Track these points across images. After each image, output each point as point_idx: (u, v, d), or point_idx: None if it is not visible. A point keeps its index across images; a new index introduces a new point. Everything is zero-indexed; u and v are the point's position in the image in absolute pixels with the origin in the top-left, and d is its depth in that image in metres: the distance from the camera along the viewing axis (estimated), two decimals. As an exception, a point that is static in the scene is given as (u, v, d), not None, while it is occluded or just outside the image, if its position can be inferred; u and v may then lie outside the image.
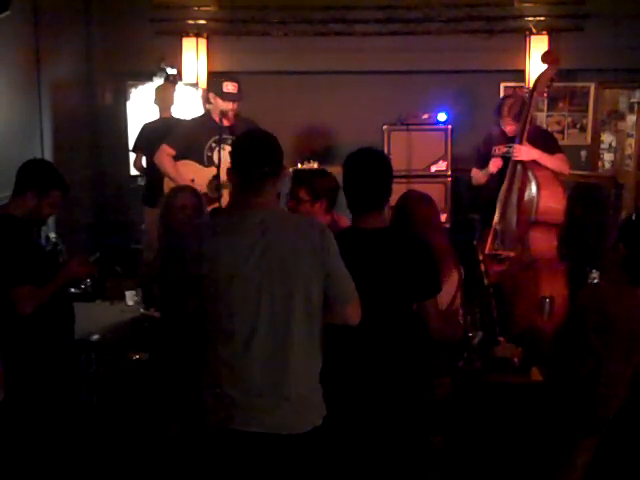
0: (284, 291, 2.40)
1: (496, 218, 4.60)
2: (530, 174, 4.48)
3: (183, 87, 6.40)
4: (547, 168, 4.52)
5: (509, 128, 4.70)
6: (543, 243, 4.44)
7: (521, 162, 4.54)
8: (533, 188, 4.44)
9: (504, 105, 4.73)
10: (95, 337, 3.78)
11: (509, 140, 4.67)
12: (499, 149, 4.77)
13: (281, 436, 2.40)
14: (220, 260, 2.39)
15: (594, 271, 4.66)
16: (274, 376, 2.41)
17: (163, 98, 5.97)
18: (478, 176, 4.95)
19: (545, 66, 4.71)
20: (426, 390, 2.94)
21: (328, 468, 2.65)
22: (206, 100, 5.29)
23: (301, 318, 2.42)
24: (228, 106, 4.68)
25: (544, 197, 4.40)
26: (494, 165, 4.71)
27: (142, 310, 3.97)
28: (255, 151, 2.48)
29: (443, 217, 5.77)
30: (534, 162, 4.52)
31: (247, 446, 2.41)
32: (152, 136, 5.66)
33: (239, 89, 4.71)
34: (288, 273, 2.40)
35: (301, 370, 2.45)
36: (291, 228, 2.49)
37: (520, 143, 4.53)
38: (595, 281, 4.57)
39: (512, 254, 4.48)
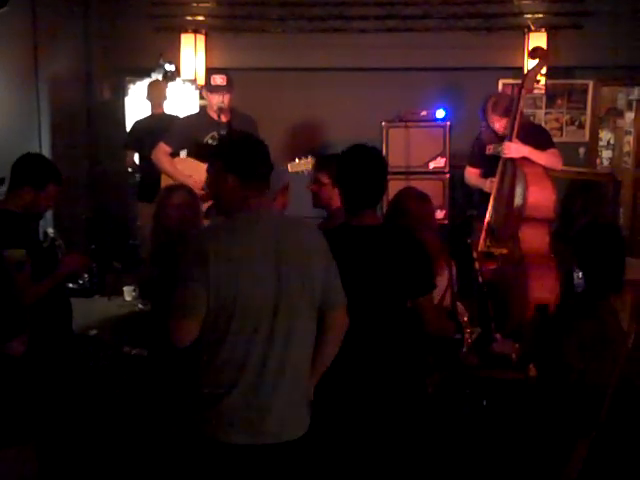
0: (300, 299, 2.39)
1: (488, 215, 4.60)
2: (519, 170, 4.47)
3: (181, 83, 6.40)
4: (538, 164, 4.50)
5: (498, 125, 4.67)
6: (534, 239, 4.42)
7: (511, 159, 4.54)
8: (522, 184, 4.43)
9: (487, 103, 4.71)
10: (93, 332, 3.79)
11: (500, 138, 4.67)
12: (491, 148, 4.76)
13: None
14: (235, 261, 2.33)
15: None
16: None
17: (156, 94, 5.97)
18: (472, 179, 4.97)
19: (535, 62, 4.71)
20: (419, 387, 2.93)
21: (321, 470, 2.65)
22: (201, 97, 5.30)
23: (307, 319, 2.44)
24: (218, 99, 4.63)
25: (533, 193, 4.37)
26: (489, 187, 4.71)
27: (140, 306, 3.97)
28: (259, 153, 2.46)
29: (442, 214, 5.78)
30: (524, 158, 4.50)
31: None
32: (143, 133, 5.68)
33: (228, 81, 4.64)
34: (302, 275, 2.39)
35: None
36: (302, 230, 2.50)
37: (510, 140, 4.51)
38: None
39: (505, 251, 4.47)
